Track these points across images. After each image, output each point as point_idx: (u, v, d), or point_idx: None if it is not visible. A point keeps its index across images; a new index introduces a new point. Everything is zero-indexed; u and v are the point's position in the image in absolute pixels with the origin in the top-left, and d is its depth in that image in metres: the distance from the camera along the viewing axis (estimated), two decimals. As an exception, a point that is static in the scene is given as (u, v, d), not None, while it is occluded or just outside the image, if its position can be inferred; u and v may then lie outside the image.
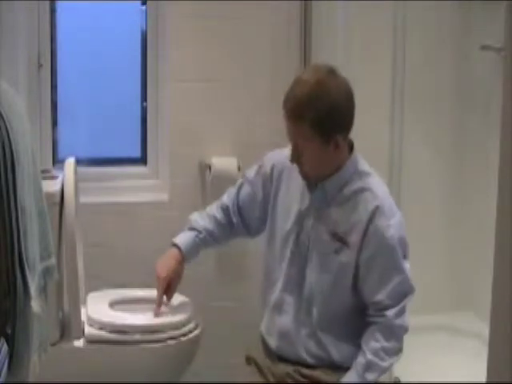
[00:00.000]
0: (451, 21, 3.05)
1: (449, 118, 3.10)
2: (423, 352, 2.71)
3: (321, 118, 1.82)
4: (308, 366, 1.92)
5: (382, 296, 1.85)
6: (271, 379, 1.95)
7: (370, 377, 1.85)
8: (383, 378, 2.41)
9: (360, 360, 1.85)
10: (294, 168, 1.99)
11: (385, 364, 1.87)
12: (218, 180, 2.94)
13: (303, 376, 1.91)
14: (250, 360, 2.04)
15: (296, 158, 1.89)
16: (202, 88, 2.96)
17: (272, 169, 2.05)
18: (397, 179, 2.39)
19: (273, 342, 1.98)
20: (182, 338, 2.43)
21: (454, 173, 3.12)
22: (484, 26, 2.93)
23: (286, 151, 2.02)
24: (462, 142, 3.10)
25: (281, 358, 1.96)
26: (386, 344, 1.85)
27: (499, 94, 1.16)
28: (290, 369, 1.93)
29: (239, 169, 2.95)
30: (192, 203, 3.00)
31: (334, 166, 1.90)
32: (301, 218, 1.94)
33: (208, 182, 2.98)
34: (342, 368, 1.91)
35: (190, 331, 2.46)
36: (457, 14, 3.04)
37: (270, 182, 2.05)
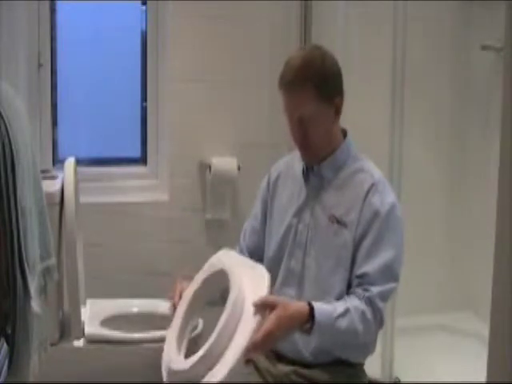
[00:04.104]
0: (451, 21, 3.06)
1: (449, 118, 3.11)
2: (423, 352, 2.71)
3: (323, 76, 1.86)
4: (306, 366, 1.92)
5: (368, 268, 1.80)
6: (270, 380, 1.95)
7: (342, 324, 1.73)
8: (383, 378, 2.42)
9: (340, 304, 1.77)
10: (289, 170, 2.02)
11: (357, 326, 1.75)
12: (218, 180, 2.94)
13: (301, 376, 1.91)
14: (248, 361, 2.04)
15: (302, 137, 1.87)
16: (202, 88, 2.96)
17: (268, 180, 2.07)
18: (397, 179, 2.39)
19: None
20: (182, 338, 2.44)
21: (454, 173, 3.12)
22: (484, 26, 2.93)
23: (285, 158, 2.08)
24: (462, 142, 3.11)
25: (279, 357, 1.96)
26: (366, 313, 1.77)
27: (499, 94, 1.16)
28: (288, 369, 1.92)
29: (239, 169, 2.96)
30: (192, 203, 3.01)
31: (333, 142, 1.92)
32: (299, 212, 1.95)
33: (208, 182, 2.98)
34: (341, 364, 1.90)
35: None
36: (457, 13, 3.05)
37: (267, 192, 2.06)
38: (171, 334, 1.81)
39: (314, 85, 1.84)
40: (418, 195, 2.85)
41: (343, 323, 1.74)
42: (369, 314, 1.77)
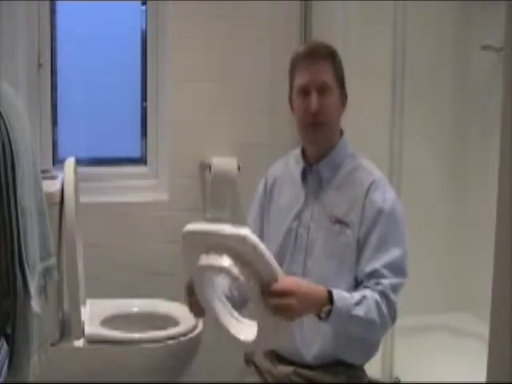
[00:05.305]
0: (451, 21, 3.05)
1: (449, 118, 3.11)
2: (423, 352, 2.71)
3: (338, 60, 1.92)
4: (307, 367, 1.92)
5: (377, 265, 1.79)
6: (270, 380, 1.95)
7: (360, 311, 1.72)
8: (383, 378, 2.42)
9: (356, 293, 1.76)
10: (286, 174, 2.02)
11: (374, 316, 1.74)
12: (217, 180, 2.94)
13: (302, 377, 1.91)
14: (248, 361, 2.04)
15: (318, 108, 1.85)
16: (201, 88, 2.97)
17: (265, 184, 2.06)
18: (397, 179, 2.39)
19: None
20: (182, 338, 2.44)
21: (454, 173, 3.12)
22: (484, 26, 2.93)
23: (279, 162, 2.08)
24: (462, 142, 3.10)
25: (280, 358, 1.95)
26: (382, 305, 1.76)
27: (499, 94, 1.16)
28: (288, 370, 1.92)
29: (239, 169, 2.96)
30: (192, 203, 3.01)
31: (335, 136, 1.93)
32: (298, 215, 1.94)
33: (208, 182, 2.98)
34: (342, 365, 1.90)
35: (190, 331, 2.47)
36: (457, 13, 3.05)
37: (264, 197, 2.06)
38: (223, 321, 1.74)
39: (333, 63, 1.90)
40: (417, 195, 2.85)
41: (361, 311, 1.73)
42: (384, 307, 1.76)
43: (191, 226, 1.71)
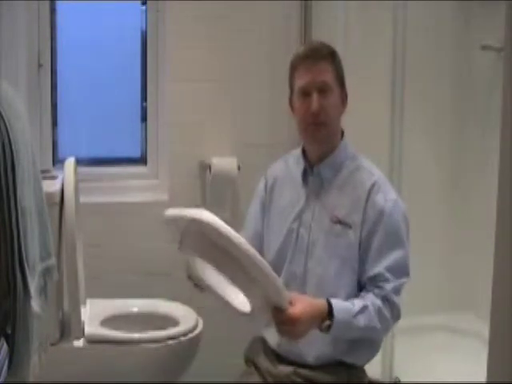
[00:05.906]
0: (451, 21, 3.06)
1: (449, 118, 3.11)
2: (423, 352, 2.71)
3: (338, 60, 1.93)
4: (307, 367, 1.91)
5: (380, 269, 1.81)
6: (270, 380, 1.95)
7: (360, 322, 1.76)
8: (383, 378, 2.42)
9: (358, 301, 1.78)
10: (286, 174, 2.02)
11: (375, 323, 1.78)
12: (218, 180, 2.94)
13: (302, 377, 1.91)
14: (248, 361, 2.04)
15: (319, 108, 1.86)
16: (202, 88, 2.96)
17: (265, 184, 2.07)
18: (397, 179, 2.39)
19: (273, 341, 1.97)
20: (182, 338, 2.44)
21: (454, 172, 3.12)
22: (484, 26, 2.93)
23: (278, 163, 2.08)
24: (462, 142, 3.10)
25: (280, 358, 1.95)
26: (384, 310, 1.79)
27: (499, 94, 1.16)
28: (288, 370, 1.92)
29: (239, 169, 2.96)
30: (192, 203, 3.00)
31: (336, 137, 1.94)
32: (299, 215, 1.94)
33: (208, 182, 2.98)
34: (342, 365, 1.90)
35: (190, 331, 2.47)
36: (457, 13, 3.05)
37: (265, 197, 2.06)
38: (223, 293, 1.79)
39: (333, 63, 1.90)
40: (418, 195, 2.85)
41: (361, 321, 1.76)
42: (386, 312, 1.79)
43: (170, 212, 1.80)
